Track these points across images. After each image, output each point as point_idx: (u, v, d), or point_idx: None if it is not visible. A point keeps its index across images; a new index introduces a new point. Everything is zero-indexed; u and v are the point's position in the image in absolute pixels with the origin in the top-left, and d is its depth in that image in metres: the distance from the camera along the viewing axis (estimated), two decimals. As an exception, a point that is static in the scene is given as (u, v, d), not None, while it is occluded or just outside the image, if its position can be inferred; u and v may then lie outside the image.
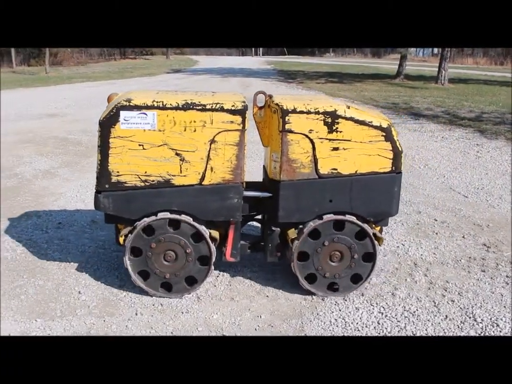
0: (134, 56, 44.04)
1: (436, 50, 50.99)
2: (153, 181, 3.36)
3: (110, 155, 3.31)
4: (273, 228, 3.58)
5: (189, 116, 3.26)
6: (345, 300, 3.54)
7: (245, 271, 3.98)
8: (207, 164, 3.34)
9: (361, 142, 3.38)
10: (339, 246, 3.52)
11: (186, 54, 58.02)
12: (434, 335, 3.20)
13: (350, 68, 34.12)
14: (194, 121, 3.27)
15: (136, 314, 3.32)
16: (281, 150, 3.36)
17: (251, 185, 3.69)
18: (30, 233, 4.62)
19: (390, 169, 3.46)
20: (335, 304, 3.49)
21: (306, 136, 3.34)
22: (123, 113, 3.24)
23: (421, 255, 4.36)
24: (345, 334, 3.16)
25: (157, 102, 3.25)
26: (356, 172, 3.42)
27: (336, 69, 32.66)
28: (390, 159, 3.43)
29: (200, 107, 3.26)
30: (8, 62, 31.03)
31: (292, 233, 3.55)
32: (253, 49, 59.44)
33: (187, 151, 3.32)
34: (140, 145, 3.29)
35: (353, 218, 3.48)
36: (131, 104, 3.24)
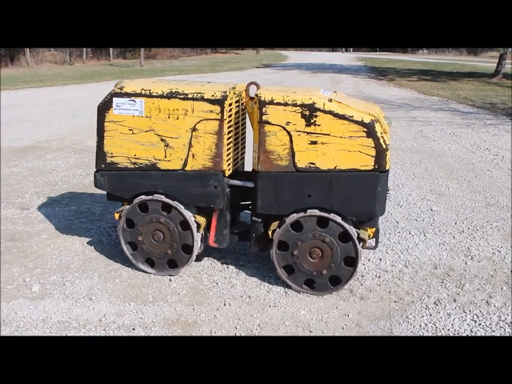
0: (225, 50, 44.66)
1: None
2: (141, 163, 3.59)
3: (105, 138, 3.61)
4: (254, 219, 3.61)
5: (172, 104, 3.45)
6: (436, 305, 3.43)
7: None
8: (189, 151, 3.50)
9: (340, 137, 3.28)
10: (319, 243, 3.45)
11: (276, 48, 58.08)
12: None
13: (444, 65, 32.94)
14: (177, 109, 3.45)
15: (225, 304, 3.38)
16: (259, 140, 3.38)
17: (244, 175, 3.78)
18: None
19: (373, 167, 3.31)
20: (426, 309, 3.40)
21: (284, 128, 3.32)
22: (115, 100, 3.52)
23: (522, 263, 4.14)
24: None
25: (145, 90, 3.48)
26: (335, 167, 3.34)
27: (430, 66, 31.64)
28: (372, 156, 3.29)
29: (182, 96, 3.43)
30: (106, 55, 32.51)
31: (274, 225, 3.54)
32: (344, 44, 58.60)
33: (171, 138, 3.50)
34: (129, 129, 3.55)
35: (337, 218, 3.39)
36: (122, 91, 3.51)
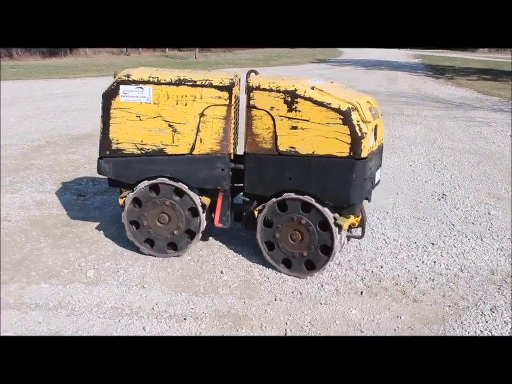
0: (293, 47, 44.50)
1: None
2: (148, 149, 3.68)
3: (110, 125, 3.68)
4: (244, 198, 3.77)
5: (181, 90, 3.56)
6: (493, 312, 3.32)
7: (393, 269, 3.91)
8: (196, 135, 3.61)
9: (319, 123, 3.39)
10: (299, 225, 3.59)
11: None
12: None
13: (505, 65, 31.85)
14: (186, 96, 3.56)
15: (276, 300, 3.38)
16: (246, 124, 3.55)
17: (238, 158, 3.84)
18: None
19: (348, 154, 3.38)
20: (481, 315, 3.31)
21: (268, 112, 3.47)
22: (122, 87, 3.61)
23: None
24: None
25: (153, 77, 3.58)
26: (313, 153, 3.44)
27: (490, 65, 30.67)
28: (347, 143, 3.37)
29: (191, 83, 3.54)
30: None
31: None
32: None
33: (179, 123, 3.60)
34: (137, 116, 3.63)
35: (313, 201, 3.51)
36: (129, 79, 3.60)
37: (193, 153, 3.64)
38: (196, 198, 3.73)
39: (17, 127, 8.56)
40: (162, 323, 3.09)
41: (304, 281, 3.63)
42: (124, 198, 3.82)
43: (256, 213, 3.72)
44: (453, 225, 4.80)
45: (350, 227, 3.88)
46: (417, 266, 3.94)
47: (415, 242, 4.37)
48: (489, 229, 4.73)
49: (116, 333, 2.97)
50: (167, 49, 32.40)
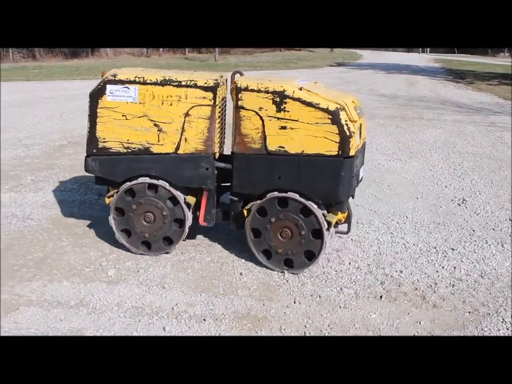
0: (299, 47, 44.52)
1: None
2: (134, 148, 3.73)
3: (97, 123, 3.75)
4: (232, 198, 3.81)
5: (166, 91, 3.62)
6: (515, 318, 3.31)
7: (413, 274, 3.90)
8: (181, 135, 3.67)
9: (308, 123, 3.46)
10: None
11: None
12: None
13: (527, 70, 31.57)
14: (171, 96, 3.61)
15: (295, 302, 3.39)
16: (235, 124, 3.60)
17: (225, 158, 3.89)
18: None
19: (337, 153, 3.46)
20: (502, 322, 3.29)
21: (257, 113, 3.52)
22: (109, 87, 3.69)
23: None
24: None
25: (139, 77, 3.64)
26: (302, 152, 3.51)
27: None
28: (336, 142, 3.45)
29: (176, 83, 3.60)
30: (182, 48, 32.93)
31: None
32: (420, 45, 57.09)
33: (164, 123, 3.66)
34: (123, 115, 3.69)
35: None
36: (116, 79, 3.67)
37: (178, 152, 3.71)
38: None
39: (40, 127, 8.68)
40: (182, 323, 3.11)
41: (323, 285, 3.64)
42: (110, 198, 3.89)
43: (245, 212, 3.78)
44: (473, 230, 4.76)
45: (336, 223, 3.93)
46: (437, 271, 3.93)
47: (435, 247, 4.35)
48: (510, 235, 4.68)
49: (136, 333, 3.00)
50: (187, 51, 32.55)
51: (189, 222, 3.85)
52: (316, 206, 3.59)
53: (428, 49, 59.85)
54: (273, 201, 3.65)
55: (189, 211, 3.83)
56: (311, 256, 3.71)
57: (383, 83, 18.76)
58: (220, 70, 21.30)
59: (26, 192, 5.35)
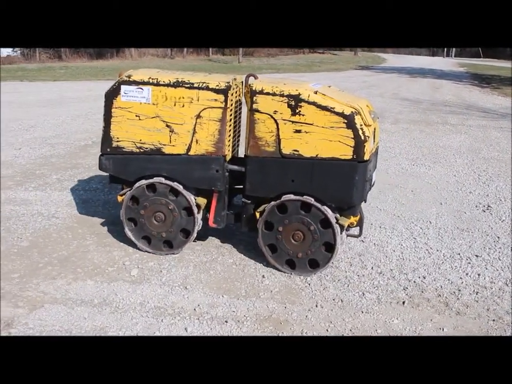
0: (323, 50, 44.44)
1: None
2: (146, 148, 3.78)
3: (111, 123, 3.82)
4: (244, 200, 3.82)
5: (178, 92, 3.65)
6: (542, 328, 3.26)
7: (436, 280, 3.87)
8: (193, 136, 3.69)
9: (322, 127, 3.45)
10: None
11: (374, 51, 57.16)
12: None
13: (555, 75, 31.07)
14: (183, 98, 3.64)
15: (317, 306, 3.38)
16: (249, 127, 3.60)
17: (239, 160, 3.90)
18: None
19: (351, 157, 3.45)
20: (527, 331, 3.22)
21: (271, 116, 3.52)
22: (123, 87, 3.73)
23: None
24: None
25: (152, 79, 3.68)
26: (317, 155, 3.51)
27: (538, 75, 29.96)
28: (351, 146, 3.44)
29: (188, 85, 3.63)
30: (206, 50, 33.12)
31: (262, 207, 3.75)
32: (445, 49, 56.64)
33: (176, 124, 3.69)
34: (136, 115, 3.74)
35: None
36: (130, 79, 3.72)
37: (189, 153, 3.74)
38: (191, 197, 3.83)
39: (65, 127, 8.78)
40: (204, 324, 3.12)
41: (345, 289, 3.62)
42: (123, 196, 3.94)
43: (257, 214, 3.79)
44: (498, 237, 4.71)
45: (348, 226, 3.93)
46: (460, 278, 3.89)
47: (459, 254, 4.31)
48: (536, 243, 4.62)
49: (159, 332, 3.02)
50: (211, 53, 32.69)
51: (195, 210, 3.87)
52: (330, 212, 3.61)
53: (453, 54, 59.28)
54: (295, 203, 3.67)
55: (191, 195, 3.85)
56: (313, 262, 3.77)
57: (407, 87, 18.63)
58: (243, 72, 21.37)
59: (51, 190, 5.42)
